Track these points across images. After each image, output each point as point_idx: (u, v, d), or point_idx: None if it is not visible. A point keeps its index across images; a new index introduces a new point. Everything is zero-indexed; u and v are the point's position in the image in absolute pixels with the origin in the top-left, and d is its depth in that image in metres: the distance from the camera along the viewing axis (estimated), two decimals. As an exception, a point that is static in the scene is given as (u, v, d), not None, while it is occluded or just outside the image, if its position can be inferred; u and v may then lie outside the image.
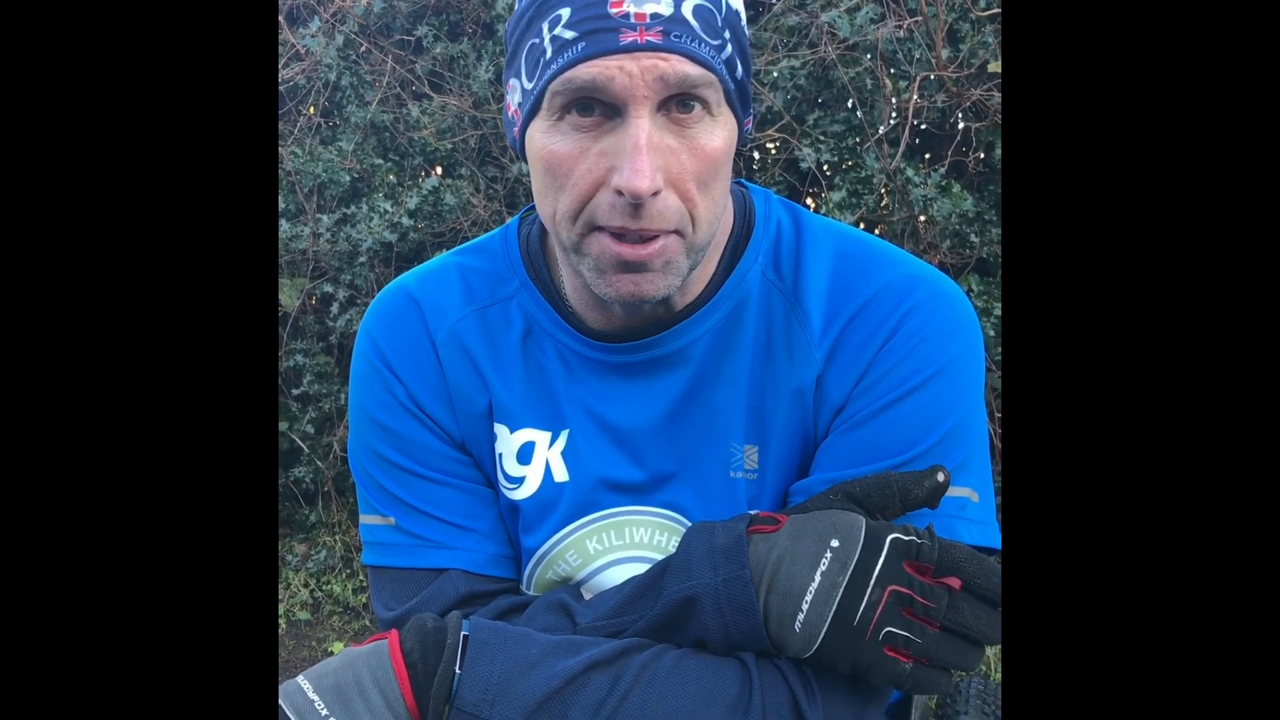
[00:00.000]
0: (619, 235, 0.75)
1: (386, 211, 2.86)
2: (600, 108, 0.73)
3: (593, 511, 0.89)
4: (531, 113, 0.77)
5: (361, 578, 3.14)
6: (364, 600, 3.08)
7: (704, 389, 0.87)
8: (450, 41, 3.01)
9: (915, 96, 2.36)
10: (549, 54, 0.73)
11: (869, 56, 2.43)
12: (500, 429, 0.91)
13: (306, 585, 3.15)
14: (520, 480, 0.90)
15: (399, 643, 0.75)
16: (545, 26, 0.73)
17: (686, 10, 0.72)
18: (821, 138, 2.50)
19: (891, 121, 2.48)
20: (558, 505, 0.90)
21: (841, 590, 0.72)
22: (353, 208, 2.97)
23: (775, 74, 2.53)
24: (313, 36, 3.04)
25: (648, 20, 0.70)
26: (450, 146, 2.96)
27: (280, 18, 3.12)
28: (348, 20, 3.06)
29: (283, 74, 3.11)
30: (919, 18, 2.36)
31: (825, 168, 2.58)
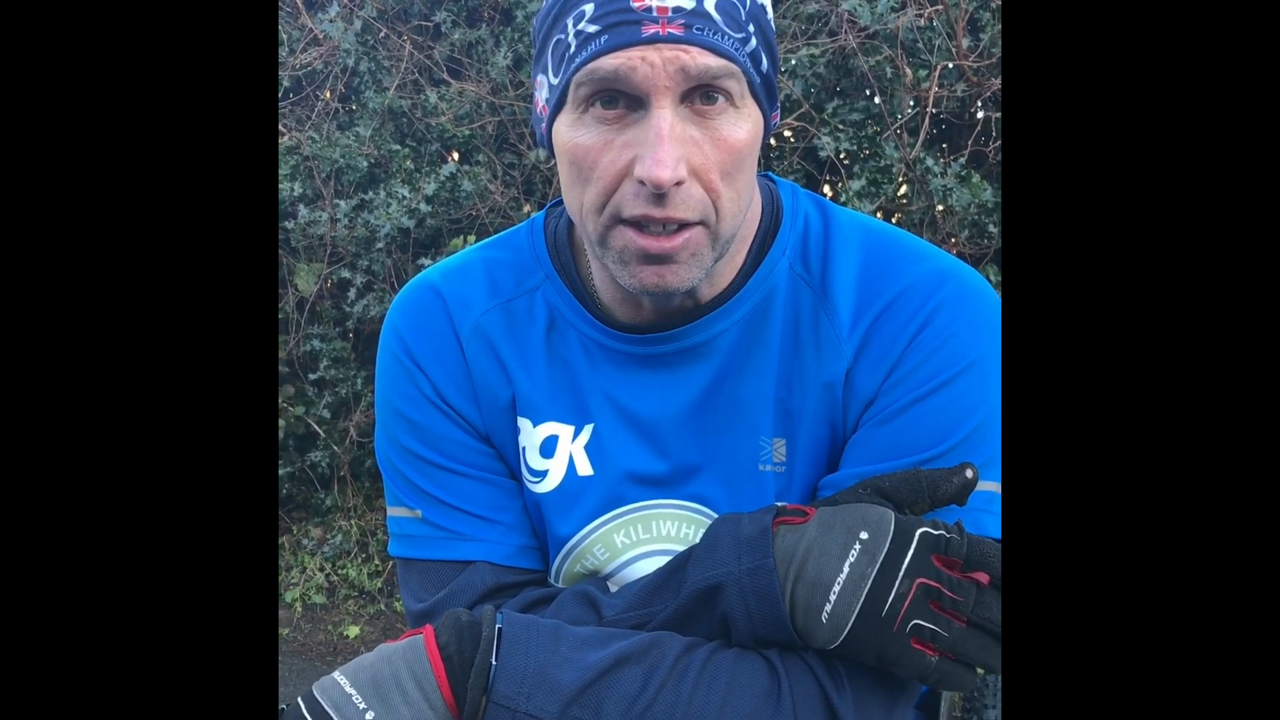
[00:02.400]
0: (642, 227, 0.76)
1: (404, 197, 2.86)
2: (624, 99, 0.74)
3: (620, 505, 0.90)
4: (558, 107, 0.78)
5: (377, 562, 3.17)
6: (379, 585, 3.10)
7: (731, 381, 0.87)
8: (468, 27, 3.01)
9: (935, 86, 2.35)
10: (573, 48, 0.74)
11: (889, 45, 2.42)
12: (524, 423, 0.91)
13: (322, 569, 3.17)
14: (543, 474, 0.91)
15: (434, 637, 0.76)
16: (570, 22, 0.74)
17: (709, 4, 0.73)
18: (840, 126, 2.50)
19: (911, 110, 2.47)
20: (583, 499, 0.90)
21: (870, 581, 0.72)
22: (370, 193, 2.97)
23: (794, 62, 2.52)
24: (331, 22, 3.04)
25: (670, 13, 0.71)
26: (468, 133, 2.96)
27: (299, 2, 3.11)
28: (366, 5, 3.06)
29: (300, 59, 3.11)
30: (939, 6, 2.35)
31: (844, 156, 2.58)
